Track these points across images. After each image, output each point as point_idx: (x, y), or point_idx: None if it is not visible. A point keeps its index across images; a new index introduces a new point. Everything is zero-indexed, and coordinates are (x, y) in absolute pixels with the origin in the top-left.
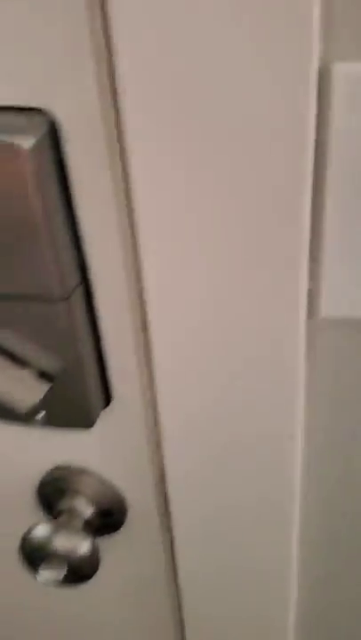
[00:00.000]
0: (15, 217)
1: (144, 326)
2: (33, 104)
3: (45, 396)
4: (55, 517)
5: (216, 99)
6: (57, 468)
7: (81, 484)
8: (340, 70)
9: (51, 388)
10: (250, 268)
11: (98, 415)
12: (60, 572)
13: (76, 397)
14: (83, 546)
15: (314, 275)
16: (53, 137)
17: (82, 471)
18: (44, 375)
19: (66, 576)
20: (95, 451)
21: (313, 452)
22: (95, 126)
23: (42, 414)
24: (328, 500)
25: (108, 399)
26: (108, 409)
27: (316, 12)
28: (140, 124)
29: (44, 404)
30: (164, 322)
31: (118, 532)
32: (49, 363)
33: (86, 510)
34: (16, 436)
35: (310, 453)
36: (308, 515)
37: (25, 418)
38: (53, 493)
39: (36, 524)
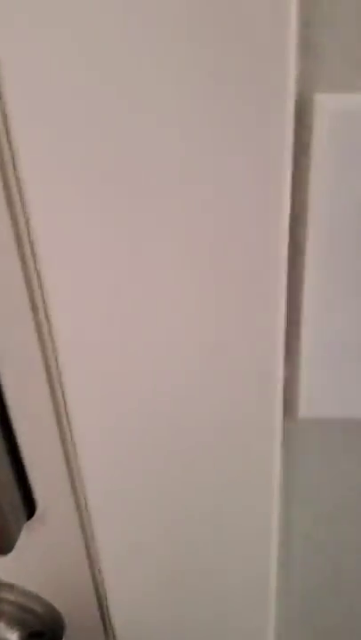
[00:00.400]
0: None
1: (69, 426)
2: None
3: None
4: None
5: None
6: None
7: (4, 602)
8: (324, 103)
9: None
10: (221, 363)
11: (17, 536)
12: None
13: None
14: None
15: (291, 374)
16: None
17: (5, 588)
18: None
19: None
20: (20, 564)
21: (291, 559)
22: None
23: None
24: (308, 608)
25: (31, 510)
26: (32, 520)
27: (293, 27)
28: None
29: None
30: (93, 418)
31: None
32: None
33: (11, 635)
34: None
35: (288, 561)
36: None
37: None
38: None
39: None
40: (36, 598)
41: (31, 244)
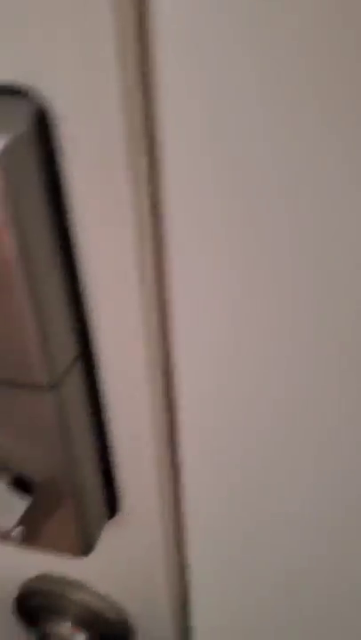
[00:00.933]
0: None
1: (170, 420)
2: (14, 82)
3: (26, 512)
4: None
5: None
6: (42, 578)
7: (72, 602)
8: None
9: (34, 503)
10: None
11: (98, 537)
12: None
13: (67, 515)
14: None
15: None
16: (41, 134)
17: (75, 585)
18: (24, 486)
19: None
20: (94, 563)
21: None
22: (110, 124)
23: (18, 530)
24: None
25: (114, 508)
26: (114, 519)
27: None
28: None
29: (24, 519)
30: (202, 415)
31: None
32: (32, 470)
33: (78, 637)
34: None
35: None
36: None
37: None
38: (37, 610)
39: None
40: (107, 602)
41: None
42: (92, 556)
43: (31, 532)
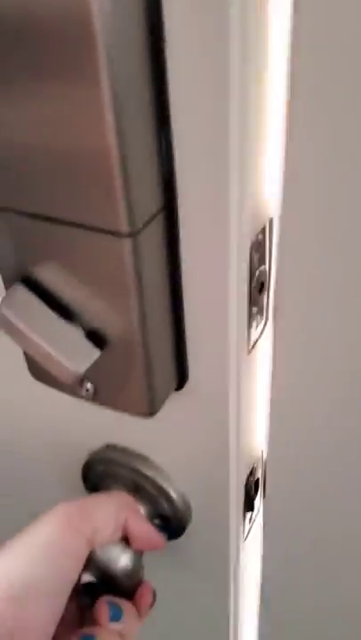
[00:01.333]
0: (67, 92)
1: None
2: None
3: (96, 365)
4: None
5: None
6: (108, 448)
7: (135, 475)
8: None
9: (104, 356)
10: None
11: (163, 401)
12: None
13: (136, 374)
14: (122, 559)
15: None
16: None
17: (138, 459)
18: (95, 337)
19: (103, 587)
20: (158, 438)
21: None
22: None
23: (88, 386)
24: None
25: (182, 379)
26: (181, 391)
27: None
28: None
29: (94, 374)
30: (295, 283)
31: (175, 541)
32: (104, 322)
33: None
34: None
35: None
36: None
37: (67, 387)
38: (101, 478)
39: None
40: (170, 480)
41: None
42: (158, 430)
43: (100, 389)
